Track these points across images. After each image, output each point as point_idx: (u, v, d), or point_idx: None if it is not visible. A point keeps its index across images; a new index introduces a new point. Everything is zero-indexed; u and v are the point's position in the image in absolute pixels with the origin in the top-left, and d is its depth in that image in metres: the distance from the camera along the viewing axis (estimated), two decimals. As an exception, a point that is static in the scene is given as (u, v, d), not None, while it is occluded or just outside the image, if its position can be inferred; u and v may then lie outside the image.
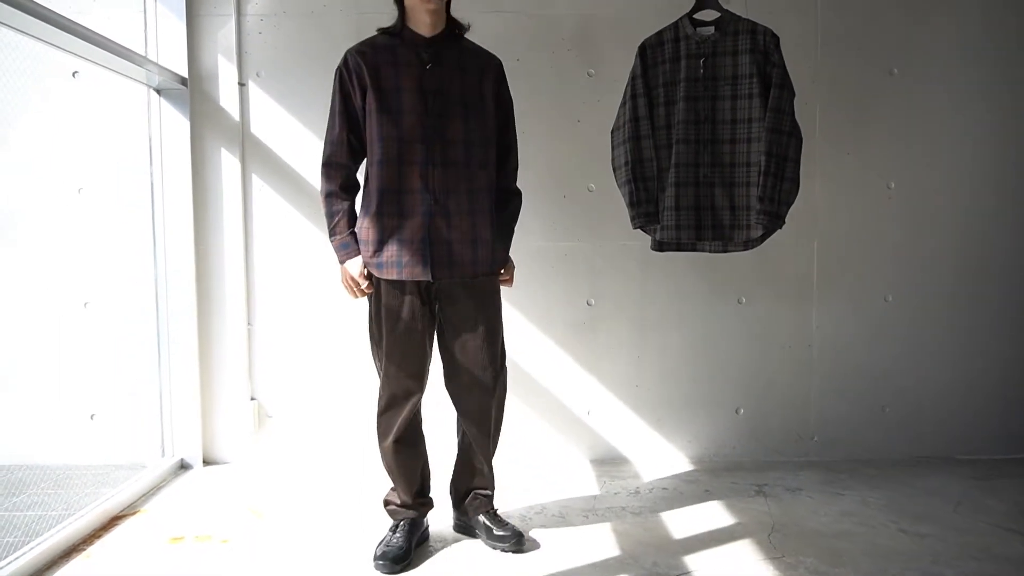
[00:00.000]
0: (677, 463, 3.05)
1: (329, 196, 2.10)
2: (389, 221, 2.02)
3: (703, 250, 2.54)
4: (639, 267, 3.01)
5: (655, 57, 2.48)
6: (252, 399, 3.02)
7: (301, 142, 2.95)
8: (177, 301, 2.92)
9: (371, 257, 2.05)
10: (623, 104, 2.52)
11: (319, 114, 2.93)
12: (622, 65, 2.84)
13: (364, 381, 3.01)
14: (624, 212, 2.83)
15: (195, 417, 2.96)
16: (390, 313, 2.07)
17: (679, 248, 2.54)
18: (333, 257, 3.00)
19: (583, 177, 2.96)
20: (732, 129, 2.42)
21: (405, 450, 2.19)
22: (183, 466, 2.97)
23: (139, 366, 2.95)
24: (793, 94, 2.37)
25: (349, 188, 2.10)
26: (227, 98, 2.93)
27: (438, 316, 2.11)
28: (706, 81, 2.42)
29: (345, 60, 2.07)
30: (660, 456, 3.07)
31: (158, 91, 2.87)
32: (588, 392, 3.05)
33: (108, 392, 2.95)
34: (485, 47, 2.15)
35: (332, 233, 2.10)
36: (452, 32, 2.07)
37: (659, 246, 2.56)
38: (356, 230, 2.08)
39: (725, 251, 2.52)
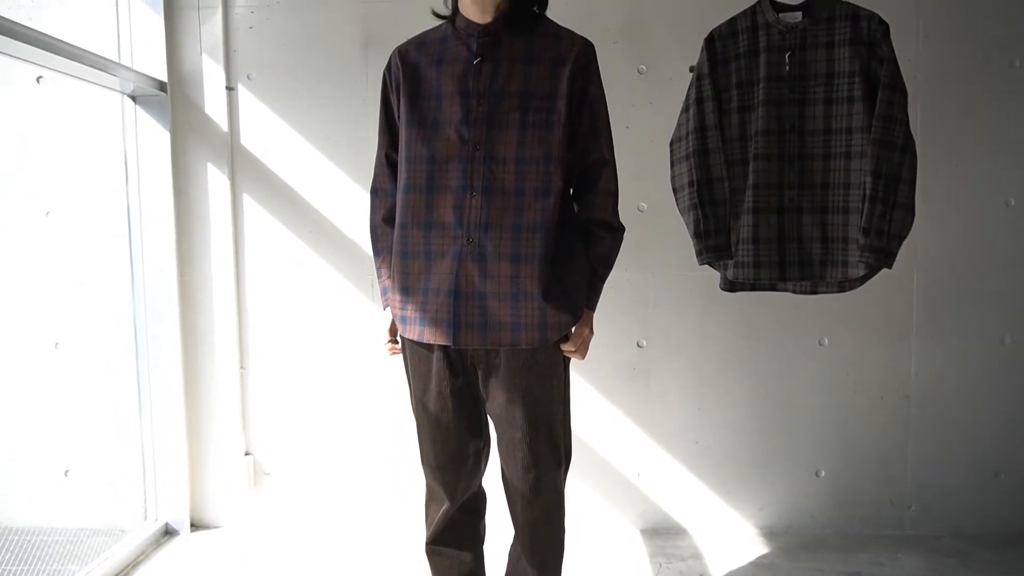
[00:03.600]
0: (744, 535, 2.55)
1: (373, 230, 1.72)
2: (414, 264, 1.58)
3: (786, 291, 2.04)
4: (699, 301, 2.51)
5: (727, 51, 1.98)
6: (247, 454, 2.62)
7: (301, 156, 2.52)
8: (159, 341, 2.52)
9: (398, 309, 1.63)
10: (685, 109, 2.03)
11: (322, 124, 2.50)
12: (681, 60, 2.35)
13: (377, 433, 2.57)
14: (683, 238, 2.34)
15: (182, 475, 2.56)
16: (418, 381, 1.65)
17: (755, 288, 2.04)
18: (340, 291, 2.64)
19: (632, 195, 2.46)
20: (825, 141, 1.92)
21: (441, 558, 1.74)
22: (168, 531, 2.57)
23: (118, 416, 2.56)
24: (906, 97, 1.85)
25: (393, 222, 1.67)
26: (213, 105, 2.51)
27: (481, 390, 1.64)
28: (793, 81, 1.91)
29: (389, 62, 1.66)
30: (724, 526, 2.58)
31: (133, 98, 2.46)
32: (638, 449, 2.57)
33: (83, 446, 2.57)
34: None
35: (378, 276, 1.72)
36: (521, 12, 1.56)
37: (730, 286, 2.07)
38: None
39: (814, 293, 2.02)
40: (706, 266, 2.04)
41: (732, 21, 1.98)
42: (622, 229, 1.64)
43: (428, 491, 1.71)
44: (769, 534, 2.56)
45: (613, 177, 1.62)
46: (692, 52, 2.05)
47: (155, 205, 2.49)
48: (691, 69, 2.40)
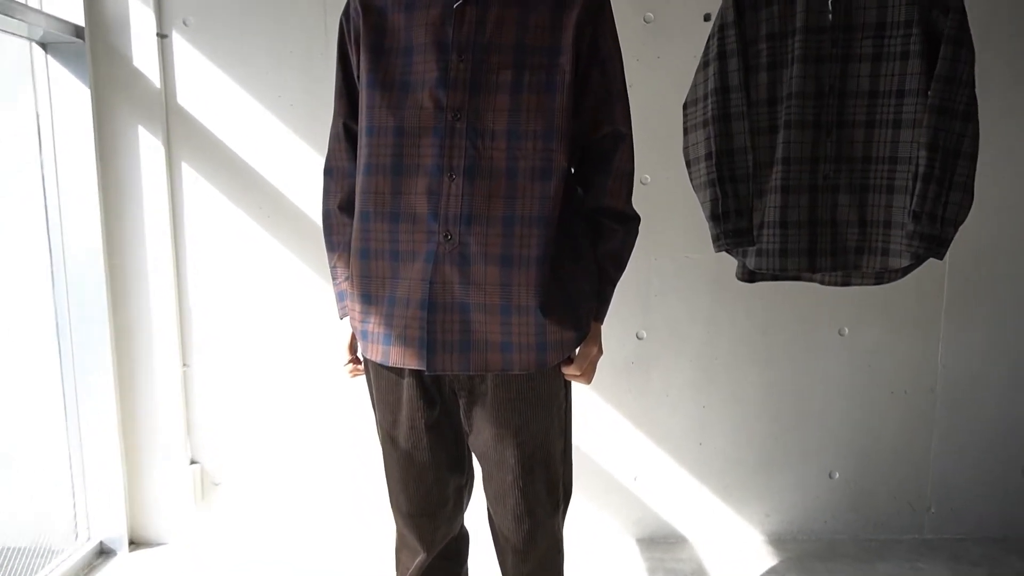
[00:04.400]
0: (750, 543, 2.32)
1: (327, 219, 1.39)
2: (378, 266, 1.26)
3: (813, 281, 1.76)
4: (707, 288, 2.23)
5: (756, -5, 1.65)
6: (193, 462, 2.30)
7: (250, 120, 2.16)
8: (87, 337, 2.17)
9: (358, 322, 1.31)
10: (704, 66, 1.71)
11: (275, 80, 2.13)
12: (696, 7, 2.03)
13: (338, 437, 2.27)
14: (692, 217, 2.05)
15: (117, 487, 2.24)
16: (385, 411, 1.34)
17: (778, 279, 1.75)
18: (297, 277, 2.23)
19: (636, 165, 2.15)
20: (870, 106, 1.61)
21: None
22: (104, 551, 2.26)
23: (41, 422, 2.22)
24: (974, 55, 1.55)
25: (352, 209, 1.35)
26: (143, 55, 2.12)
27: (463, 421, 1.34)
28: (836, 32, 1.60)
29: (346, 5, 1.31)
30: (728, 534, 2.34)
31: (44, 46, 2.07)
32: (636, 452, 2.31)
33: (1, 457, 2.23)
34: None
35: (333, 276, 1.39)
36: None
37: (750, 276, 1.78)
38: None
39: (846, 284, 1.74)
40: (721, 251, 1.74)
41: (762, -41, 1.64)
42: (637, 219, 1.33)
43: (399, 537, 1.41)
44: (778, 541, 2.33)
45: (629, 155, 1.30)
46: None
47: (76, 177, 2.12)
48: (706, 17, 2.08)
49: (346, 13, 1.30)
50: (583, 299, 1.28)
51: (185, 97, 2.16)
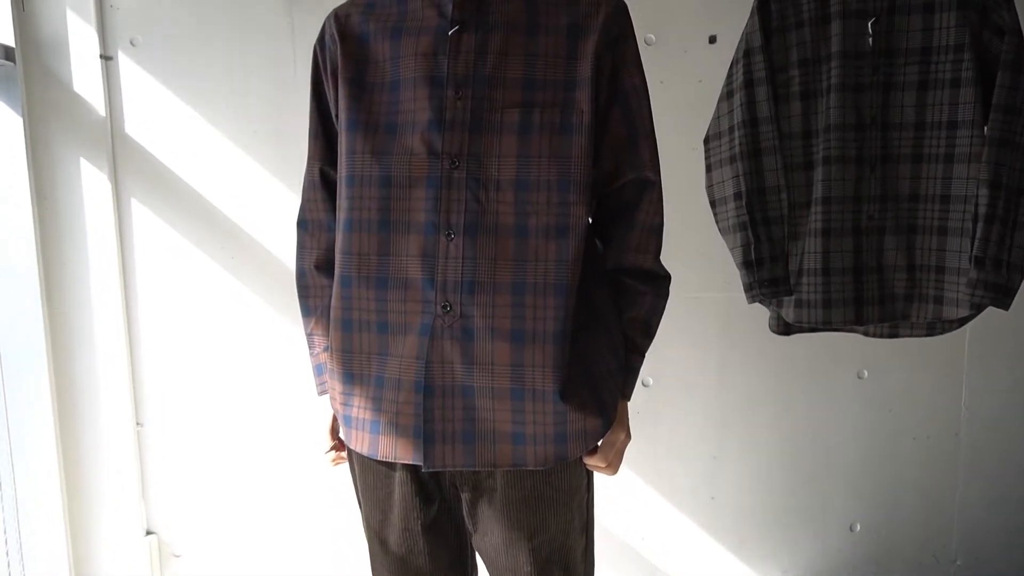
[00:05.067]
0: (768, 604, 2.14)
1: (301, 279, 1.19)
2: (363, 340, 1.05)
3: (857, 333, 1.59)
4: (717, 329, 2.05)
5: (786, 15, 1.48)
6: (149, 533, 2.04)
7: (208, 149, 1.92)
8: (21, 393, 1.90)
9: (340, 404, 1.10)
10: (727, 96, 1.53)
11: (237, 106, 1.90)
12: (702, 28, 1.86)
13: (315, 501, 2.03)
14: (701, 252, 1.88)
15: (60, 562, 1.97)
16: (373, 508, 1.13)
17: (817, 330, 1.58)
18: (266, 323, 1.96)
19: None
20: (917, 139, 1.45)
21: None
22: (44, 639, 1.98)
23: (-31, 493, 1.95)
24: (1032, 81, 1.39)
25: (332, 269, 1.13)
26: (85, 80, 1.87)
27: (466, 520, 1.13)
28: (877, 57, 1.43)
29: (321, 32, 1.11)
30: (744, 594, 2.16)
31: (-33, 70, 1.81)
32: (643, 508, 2.11)
33: (-78, 534, 1.95)
34: None
35: (309, 345, 1.18)
36: None
37: (786, 328, 1.59)
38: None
39: (893, 336, 1.57)
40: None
41: (794, -25, 1.47)
42: (668, 278, 1.14)
43: None
44: (796, 601, 2.16)
45: (658, 206, 1.11)
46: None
47: (8, 216, 1.85)
48: (712, 39, 1.91)
49: (321, 41, 1.10)
50: (608, 377, 1.08)
51: (133, 126, 1.91)
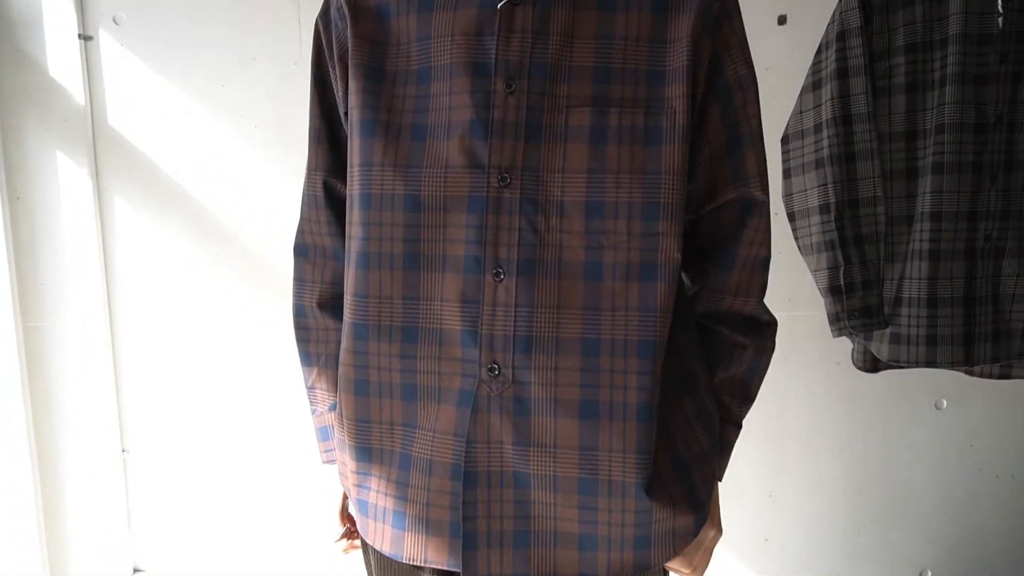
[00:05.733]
0: (827, 659, 1.91)
1: (299, 319, 0.93)
2: (381, 408, 0.82)
3: (964, 372, 1.34)
4: (778, 353, 1.78)
5: (890, -10, 1.22)
6: (136, 571, 1.84)
7: (203, 143, 1.69)
8: (-6, 419, 1.70)
9: (351, 485, 0.87)
10: (812, 87, 1.28)
11: (236, 95, 1.67)
12: (767, 6, 1.62)
13: (313, 533, 1.82)
14: (772, 267, 1.64)
15: (39, 605, 1.77)
16: None
17: (911, 365, 1.33)
18: (270, 338, 1.72)
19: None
20: (1048, 142, 1.19)
21: None
22: None
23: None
24: None
25: (340, 308, 0.90)
26: (62, 63, 1.65)
27: None
28: (1007, 43, 1.17)
29: (325, 3, 0.86)
30: (800, 647, 1.93)
31: (-73, 52, 1.58)
32: (688, 552, 1.88)
33: None
34: None
35: (310, 399, 0.94)
36: None
37: (874, 364, 1.35)
38: None
39: (1005, 377, 1.32)
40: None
41: (902, -60, 1.21)
42: (774, 324, 0.89)
43: None
44: (858, 656, 1.93)
45: (765, 233, 0.85)
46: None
47: (-25, 217, 1.64)
48: (780, 20, 1.66)
49: (324, 16, 0.85)
50: (702, 460, 0.84)
51: (117, 115, 1.68)
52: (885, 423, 1.86)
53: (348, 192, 0.82)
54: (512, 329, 0.76)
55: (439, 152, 0.76)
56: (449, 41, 0.76)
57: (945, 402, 1.85)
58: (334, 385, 0.90)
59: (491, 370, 0.76)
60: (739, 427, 0.89)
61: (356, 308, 0.81)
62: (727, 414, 0.88)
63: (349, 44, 0.80)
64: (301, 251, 0.92)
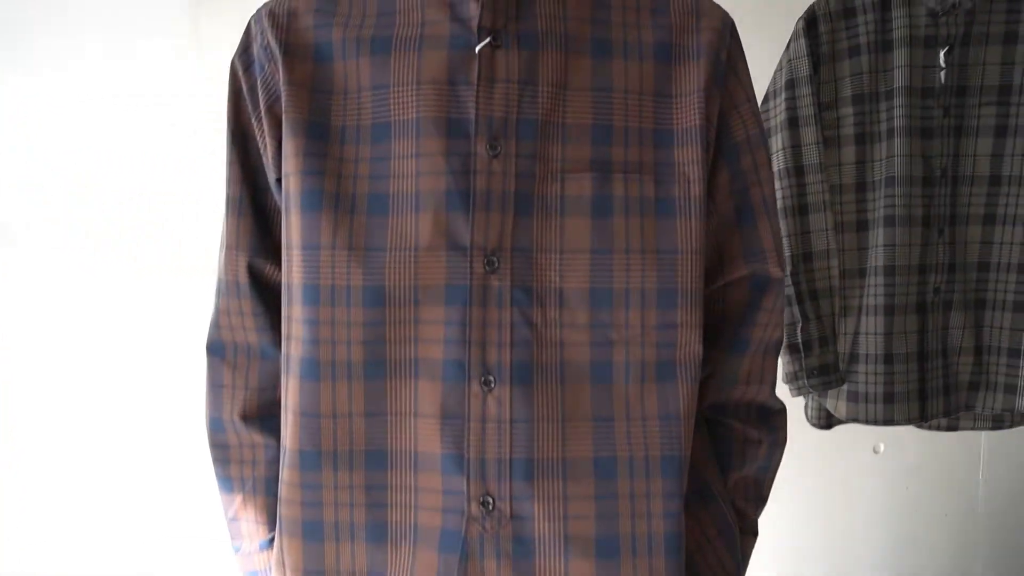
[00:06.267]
0: None
1: (215, 437, 0.75)
2: (340, 554, 0.66)
3: (916, 426, 1.32)
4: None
5: (837, 39, 1.20)
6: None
7: (80, 126, 1.51)
8: None
9: None
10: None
11: (114, 81, 1.50)
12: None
13: None
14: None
15: None
16: None
17: (870, 423, 1.30)
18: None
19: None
20: (991, 195, 1.20)
21: None
22: None
23: None
24: None
25: (271, 418, 0.73)
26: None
27: None
28: (949, 95, 1.17)
29: (245, 38, 0.70)
30: None
31: None
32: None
33: None
34: None
35: (233, 537, 0.76)
36: None
37: (828, 421, 1.31)
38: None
39: (952, 429, 1.31)
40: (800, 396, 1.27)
41: (848, -11, 1.20)
42: (784, 412, 0.79)
43: None
44: None
45: (781, 314, 0.76)
46: (774, 41, 1.26)
47: None
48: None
49: (244, 53, 0.69)
50: None
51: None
52: (822, 469, 1.84)
53: (285, 281, 0.67)
54: (508, 451, 0.63)
55: (406, 230, 0.63)
56: (414, 91, 0.64)
57: (882, 445, 1.85)
58: (266, 515, 0.73)
59: (484, 504, 0.62)
60: (756, 535, 0.78)
61: (303, 431, 0.65)
62: (744, 522, 0.77)
63: (282, 92, 0.66)
64: (216, 350, 0.74)
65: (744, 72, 0.71)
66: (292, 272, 0.66)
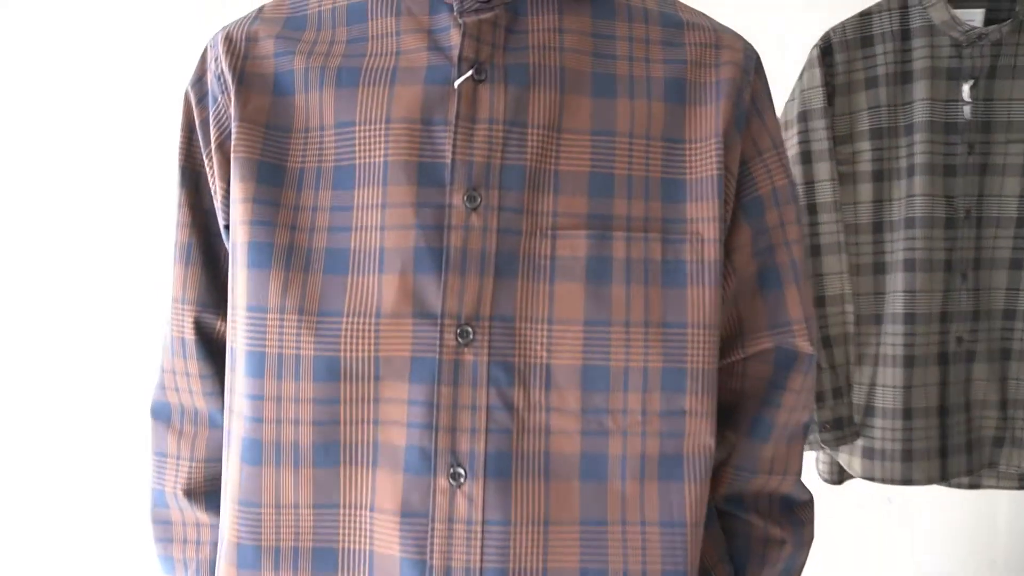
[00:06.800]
0: None
1: (157, 511, 0.66)
2: None
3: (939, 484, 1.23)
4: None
5: (854, 69, 1.13)
6: None
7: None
8: None
9: None
10: (772, 170, 1.16)
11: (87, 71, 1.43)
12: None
13: None
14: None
15: None
16: None
17: (887, 482, 1.21)
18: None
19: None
20: (1018, 238, 1.12)
21: None
22: None
23: None
24: None
25: (219, 494, 0.63)
26: None
27: None
28: (973, 132, 1.09)
29: (200, 64, 0.61)
30: None
31: None
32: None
33: None
34: None
35: None
36: None
37: (839, 477, 1.22)
38: None
39: (975, 487, 1.22)
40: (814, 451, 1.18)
41: (865, 18, 1.12)
42: (811, 502, 0.68)
43: None
44: None
45: (811, 394, 0.65)
46: (785, 72, 1.18)
47: None
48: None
49: (198, 82, 0.61)
50: None
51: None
52: (838, 514, 1.75)
53: (230, 344, 0.58)
54: (478, 559, 0.53)
55: (367, 293, 0.54)
56: (383, 130, 0.55)
57: (893, 496, 1.76)
58: None
59: None
60: None
61: (241, 522, 0.56)
62: None
63: (232, 128, 0.57)
64: (160, 413, 0.66)
65: (770, 114, 0.62)
66: (236, 337, 0.57)
